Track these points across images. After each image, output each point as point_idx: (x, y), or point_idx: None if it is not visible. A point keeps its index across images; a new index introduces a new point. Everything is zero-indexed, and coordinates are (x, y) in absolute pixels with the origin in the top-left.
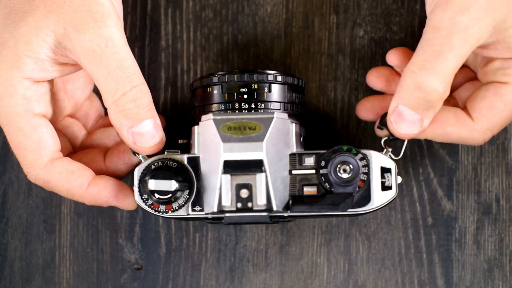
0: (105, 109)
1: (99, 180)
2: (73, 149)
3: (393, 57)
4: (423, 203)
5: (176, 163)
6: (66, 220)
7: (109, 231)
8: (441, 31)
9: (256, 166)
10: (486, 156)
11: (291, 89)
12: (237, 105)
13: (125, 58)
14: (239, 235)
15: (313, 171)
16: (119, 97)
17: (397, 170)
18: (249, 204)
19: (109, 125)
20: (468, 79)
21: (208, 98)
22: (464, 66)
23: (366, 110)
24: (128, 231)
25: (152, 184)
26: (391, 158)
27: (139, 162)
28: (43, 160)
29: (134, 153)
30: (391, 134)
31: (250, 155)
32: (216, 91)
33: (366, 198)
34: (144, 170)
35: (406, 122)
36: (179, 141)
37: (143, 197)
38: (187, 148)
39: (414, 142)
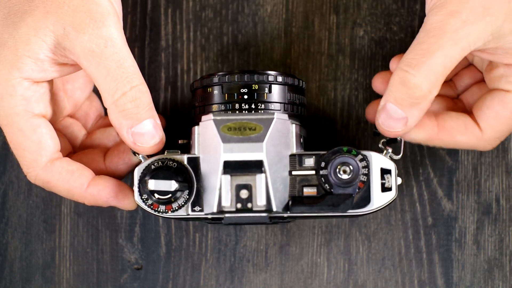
0: (105, 109)
1: (99, 180)
2: (73, 149)
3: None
4: (423, 203)
5: (176, 163)
6: (66, 220)
7: (109, 231)
8: (431, 31)
9: (256, 166)
10: (486, 156)
11: (291, 90)
12: (237, 106)
13: (124, 58)
14: (239, 235)
15: (313, 172)
16: (119, 97)
17: (397, 171)
18: (249, 205)
19: (109, 125)
20: (475, 81)
21: (209, 98)
22: (471, 65)
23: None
24: (128, 231)
25: (152, 184)
26: (392, 159)
27: (139, 162)
28: (42, 161)
29: (134, 153)
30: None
31: (250, 155)
32: (216, 91)
33: (366, 199)
34: (144, 170)
35: (391, 120)
36: (179, 141)
37: (143, 197)
38: (187, 148)
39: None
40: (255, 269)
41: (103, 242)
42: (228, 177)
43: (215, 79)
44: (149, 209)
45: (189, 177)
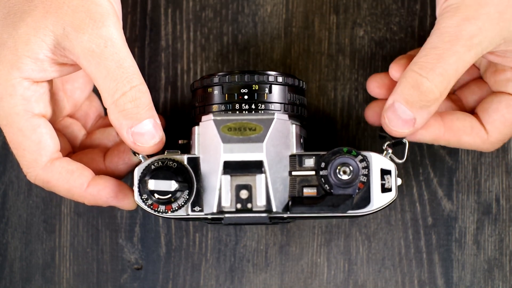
0: (105, 109)
1: (99, 180)
2: (73, 149)
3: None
4: (423, 203)
5: (176, 163)
6: (66, 220)
7: (109, 231)
8: (446, 36)
9: (256, 167)
10: (486, 156)
11: (291, 90)
12: (237, 106)
13: (124, 58)
14: (239, 235)
15: (313, 173)
16: (119, 97)
17: (397, 172)
18: (249, 205)
19: (109, 125)
20: (473, 77)
21: (209, 98)
22: None
23: (374, 113)
24: (128, 231)
25: (152, 184)
26: (392, 160)
27: (139, 162)
28: (42, 160)
29: (134, 153)
30: (393, 138)
31: (250, 156)
32: (216, 91)
33: (365, 199)
34: (144, 170)
35: (399, 120)
36: (179, 141)
37: (142, 197)
38: (187, 148)
39: (414, 143)
40: (255, 269)
41: (103, 242)
42: (228, 177)
43: (215, 79)
44: (149, 209)
45: (189, 177)
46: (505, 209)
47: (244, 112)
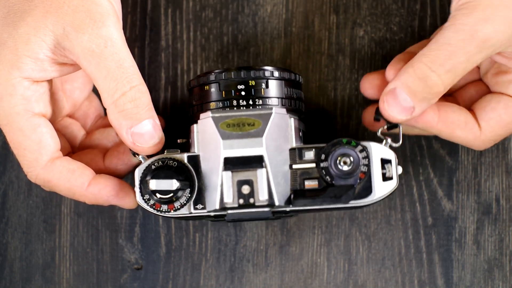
0: (104, 109)
1: (100, 179)
2: (72, 150)
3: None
4: (423, 203)
5: (176, 162)
6: (66, 220)
7: (109, 231)
8: (461, 34)
9: (256, 161)
10: (486, 156)
11: (288, 85)
12: (235, 102)
13: (124, 58)
14: (239, 235)
15: (314, 165)
16: (118, 97)
17: (397, 160)
18: (251, 200)
19: (108, 125)
20: (473, 79)
21: (206, 96)
22: None
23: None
24: (128, 231)
25: (153, 184)
26: (391, 147)
27: (139, 163)
28: (43, 160)
29: (134, 154)
30: (387, 122)
31: (250, 151)
32: (213, 89)
33: (367, 189)
34: (144, 170)
35: (398, 106)
36: (178, 140)
37: (144, 198)
38: (186, 147)
39: (414, 142)
40: (255, 269)
41: (103, 242)
42: (229, 173)
43: (212, 77)
44: (151, 209)
45: (190, 176)
46: (505, 209)
47: (242, 108)
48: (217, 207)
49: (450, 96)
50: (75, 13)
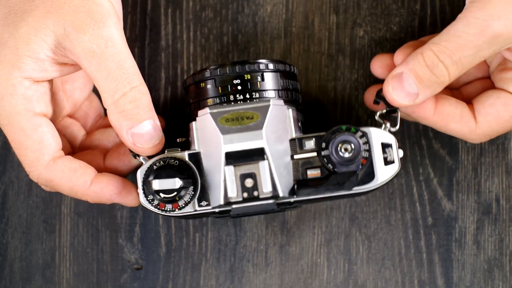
0: (105, 110)
1: (102, 178)
2: (72, 150)
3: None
4: (423, 203)
5: (177, 160)
6: (66, 220)
7: (109, 231)
8: (472, 28)
9: (258, 154)
10: (486, 156)
11: (284, 76)
12: (232, 97)
13: (124, 59)
14: (239, 235)
15: (315, 154)
16: (119, 98)
17: (397, 144)
18: (255, 193)
19: (109, 125)
20: (482, 76)
21: (203, 93)
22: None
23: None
24: (128, 231)
25: (156, 184)
26: (390, 132)
27: (139, 165)
28: (45, 159)
29: (134, 155)
30: (388, 105)
31: (251, 144)
32: (209, 85)
33: (370, 175)
34: (146, 171)
35: (403, 90)
36: (178, 139)
37: (148, 198)
38: (186, 145)
39: (414, 142)
40: (255, 269)
41: (103, 242)
42: (231, 168)
43: (207, 74)
44: (156, 210)
45: (192, 173)
46: (505, 209)
47: (239, 102)
48: (222, 202)
49: (457, 90)
50: (76, 13)
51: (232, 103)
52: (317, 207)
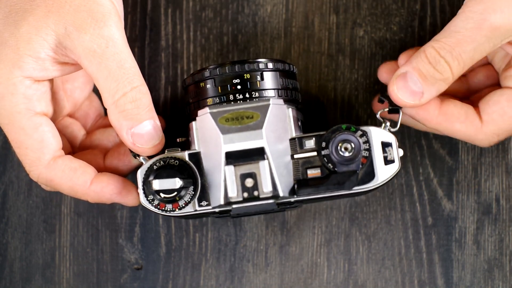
0: (105, 109)
1: (102, 177)
2: (73, 149)
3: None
4: (423, 203)
5: (178, 160)
6: (66, 220)
7: (109, 231)
8: (469, 22)
9: (258, 154)
10: (486, 156)
11: (283, 75)
12: (231, 97)
13: (125, 59)
14: (239, 235)
15: (315, 153)
16: (119, 98)
17: (397, 143)
18: (255, 193)
19: (109, 125)
20: (492, 83)
21: (202, 93)
22: (489, 65)
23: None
24: (128, 231)
25: (157, 184)
26: (390, 131)
27: (139, 165)
28: (45, 159)
29: (135, 155)
30: (391, 104)
31: (251, 143)
32: (209, 85)
33: (370, 174)
34: (146, 171)
35: (408, 90)
36: (178, 139)
37: (148, 198)
38: (186, 145)
39: (414, 142)
40: (255, 269)
41: (103, 242)
42: (231, 167)
43: (207, 73)
44: (156, 210)
45: (193, 173)
46: (505, 209)
47: (239, 102)
48: (222, 202)
49: (467, 99)
50: (77, 13)
51: (232, 102)
52: (317, 207)
